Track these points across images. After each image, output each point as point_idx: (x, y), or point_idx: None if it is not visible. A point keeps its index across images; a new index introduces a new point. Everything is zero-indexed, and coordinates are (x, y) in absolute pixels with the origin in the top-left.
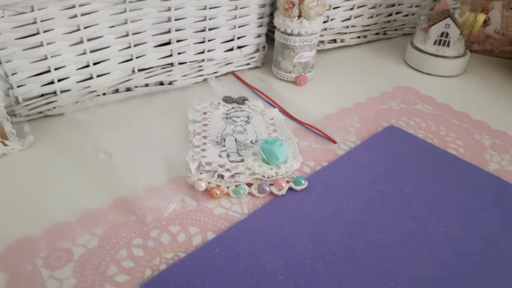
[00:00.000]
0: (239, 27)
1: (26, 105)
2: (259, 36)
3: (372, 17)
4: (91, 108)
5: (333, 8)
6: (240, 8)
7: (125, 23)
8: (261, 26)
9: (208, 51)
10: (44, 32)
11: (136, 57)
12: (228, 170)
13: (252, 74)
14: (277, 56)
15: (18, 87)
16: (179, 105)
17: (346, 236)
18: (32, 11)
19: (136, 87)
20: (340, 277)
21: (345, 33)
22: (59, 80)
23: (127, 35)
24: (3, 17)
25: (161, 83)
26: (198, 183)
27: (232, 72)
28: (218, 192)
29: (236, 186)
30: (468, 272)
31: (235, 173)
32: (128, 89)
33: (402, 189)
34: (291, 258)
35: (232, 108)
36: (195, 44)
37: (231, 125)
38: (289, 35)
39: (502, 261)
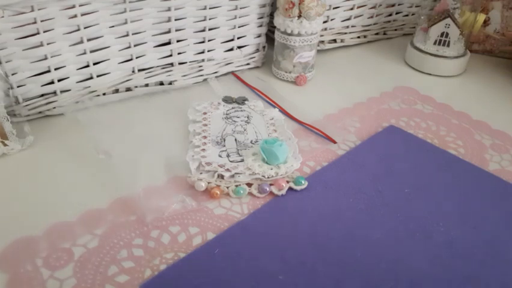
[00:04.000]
0: (239, 27)
1: (26, 105)
2: (259, 36)
3: (372, 17)
4: (91, 108)
5: (333, 8)
6: (240, 8)
7: (125, 23)
8: (261, 26)
9: (208, 51)
10: (44, 32)
11: (136, 57)
12: (228, 170)
13: (252, 74)
14: (277, 56)
15: (18, 87)
16: (179, 105)
17: (346, 236)
18: (32, 11)
19: (136, 87)
20: (340, 277)
21: (345, 33)
22: (59, 80)
23: (127, 35)
24: (3, 17)
25: (161, 83)
26: (198, 183)
27: (232, 72)
28: (218, 192)
29: (236, 186)
30: (468, 272)
31: (235, 173)
32: (128, 89)
33: (402, 189)
34: (291, 258)
35: (232, 108)
36: (195, 44)
37: (231, 125)
38: (289, 35)
39: (502, 261)
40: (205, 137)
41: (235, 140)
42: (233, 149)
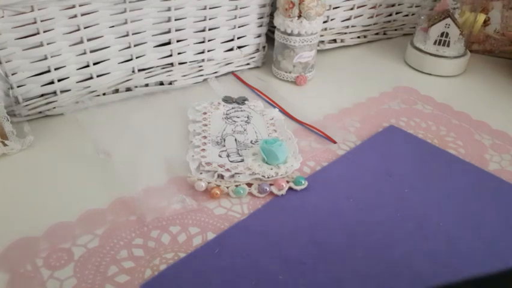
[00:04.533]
0: (239, 27)
1: (26, 105)
2: (259, 36)
3: (372, 17)
4: (91, 108)
5: (333, 8)
6: (240, 8)
7: (125, 23)
8: (261, 26)
9: (208, 51)
10: (44, 32)
11: (136, 57)
12: (228, 170)
13: (252, 74)
14: (277, 56)
15: (18, 87)
16: (179, 105)
17: (346, 236)
18: (32, 11)
19: (136, 87)
20: (340, 277)
21: (345, 33)
22: (59, 80)
23: (127, 35)
24: (3, 17)
25: (161, 83)
26: (198, 183)
27: (232, 72)
28: (218, 192)
29: (236, 186)
30: (468, 272)
31: (235, 173)
32: (128, 89)
33: (402, 189)
34: (291, 258)
35: (232, 108)
36: (195, 44)
37: (231, 125)
38: (289, 35)
39: (502, 261)
40: (205, 137)
41: (235, 140)
42: (233, 149)
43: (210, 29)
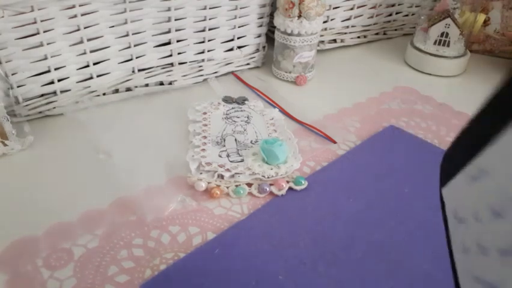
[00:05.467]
0: (239, 27)
1: (26, 105)
2: (259, 36)
3: (372, 17)
4: (91, 108)
5: (333, 8)
6: (240, 8)
7: (125, 23)
8: (261, 26)
9: (208, 51)
10: (44, 32)
11: (136, 57)
12: (228, 170)
13: (252, 74)
14: (277, 56)
15: (18, 87)
16: (179, 105)
17: (346, 236)
18: (32, 11)
19: (136, 87)
20: (340, 277)
21: (345, 33)
22: (59, 80)
23: (127, 35)
24: (3, 17)
25: (161, 83)
26: (198, 183)
27: (232, 72)
28: (218, 192)
29: (236, 186)
30: None
31: (235, 173)
32: (128, 89)
33: (402, 189)
34: (291, 258)
35: (232, 108)
36: (195, 44)
37: (231, 125)
38: (289, 35)
39: None
40: (205, 137)
41: (235, 140)
42: (233, 149)
43: (210, 29)
